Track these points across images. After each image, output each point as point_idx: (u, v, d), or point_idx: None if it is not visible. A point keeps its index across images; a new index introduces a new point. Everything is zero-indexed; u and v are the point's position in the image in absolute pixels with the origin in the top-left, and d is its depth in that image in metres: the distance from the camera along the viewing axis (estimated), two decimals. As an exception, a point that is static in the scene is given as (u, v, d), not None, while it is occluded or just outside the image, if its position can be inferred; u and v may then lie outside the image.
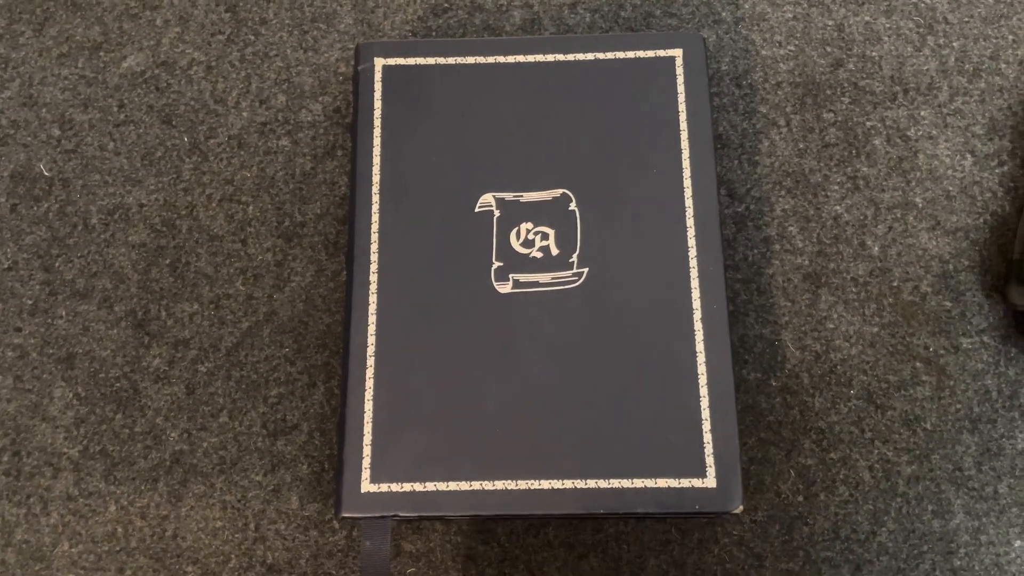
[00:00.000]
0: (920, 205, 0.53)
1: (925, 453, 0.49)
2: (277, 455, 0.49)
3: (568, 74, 0.50)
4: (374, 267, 0.46)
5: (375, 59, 0.50)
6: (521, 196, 0.48)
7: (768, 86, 0.56)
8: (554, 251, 0.47)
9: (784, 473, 0.49)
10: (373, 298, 0.46)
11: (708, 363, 0.45)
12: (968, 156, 0.54)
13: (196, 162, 0.54)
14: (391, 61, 0.50)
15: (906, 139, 0.55)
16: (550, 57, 0.50)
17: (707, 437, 0.44)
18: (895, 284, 0.52)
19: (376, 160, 0.48)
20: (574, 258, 0.46)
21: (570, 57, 0.50)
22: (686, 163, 0.48)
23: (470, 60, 0.50)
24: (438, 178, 0.48)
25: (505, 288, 0.46)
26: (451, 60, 0.50)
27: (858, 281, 0.52)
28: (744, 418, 0.49)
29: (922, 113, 0.55)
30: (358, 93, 0.50)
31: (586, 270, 0.46)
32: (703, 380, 0.44)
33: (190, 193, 0.54)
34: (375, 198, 0.47)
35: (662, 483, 0.43)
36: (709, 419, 0.44)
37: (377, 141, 0.49)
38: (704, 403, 0.44)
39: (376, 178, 0.48)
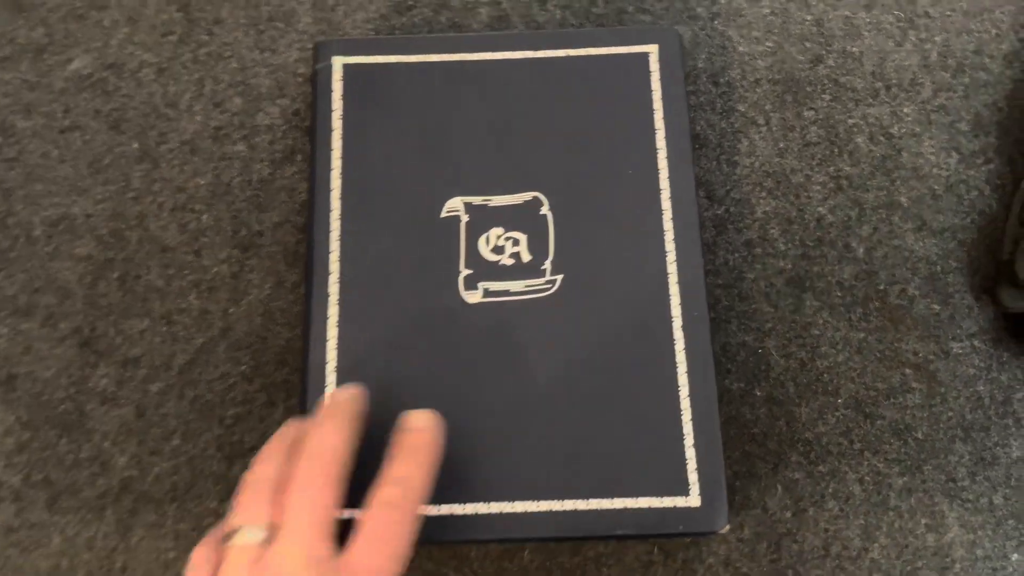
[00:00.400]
0: (905, 205, 0.51)
1: (917, 464, 0.47)
2: (234, 480, 0.46)
3: (538, 72, 0.48)
4: (334, 277, 0.44)
5: (334, 58, 0.47)
6: (490, 200, 0.45)
7: (746, 84, 0.54)
8: (526, 258, 0.44)
9: (771, 488, 0.46)
10: (333, 311, 0.43)
11: (690, 374, 0.42)
12: (953, 154, 0.52)
13: (146, 169, 0.51)
14: (351, 60, 0.47)
15: (889, 137, 0.53)
16: (519, 54, 0.48)
17: (689, 452, 0.41)
18: (881, 287, 0.50)
19: (336, 164, 0.45)
20: (547, 265, 0.44)
21: (540, 54, 0.48)
22: (663, 163, 0.46)
23: (435, 58, 0.48)
24: (402, 182, 0.45)
25: (474, 298, 0.43)
26: (415, 58, 0.48)
27: (843, 285, 0.50)
28: (728, 430, 0.47)
29: (905, 110, 0.53)
30: (316, 94, 0.47)
31: (560, 277, 0.44)
32: (684, 392, 0.42)
33: (140, 202, 0.51)
34: (335, 204, 0.45)
35: (643, 503, 0.40)
36: (692, 433, 0.41)
37: (337, 144, 0.46)
38: (686, 416, 0.42)
39: (336, 183, 0.45)
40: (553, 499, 0.40)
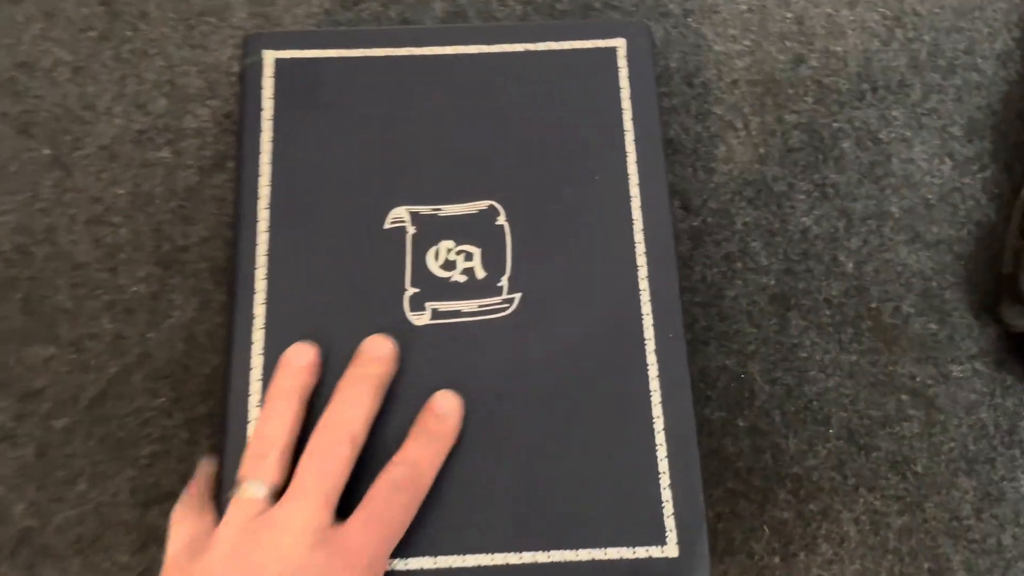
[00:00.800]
0: (897, 215, 0.47)
1: (917, 501, 0.42)
2: (148, 529, 0.40)
3: (494, 68, 0.43)
4: (260, 297, 0.38)
5: (265, 51, 0.42)
6: (440, 209, 0.40)
7: (723, 85, 0.49)
8: (479, 274, 0.39)
9: (756, 530, 0.41)
10: (259, 335, 0.38)
11: (664, 403, 0.37)
12: (947, 160, 0.48)
13: (57, 177, 0.46)
14: (285, 54, 0.42)
15: (877, 142, 0.49)
16: (473, 48, 0.43)
17: (666, 495, 0.36)
18: (873, 305, 0.45)
19: (265, 170, 0.40)
20: (503, 282, 0.39)
21: (496, 49, 0.43)
22: (632, 168, 0.41)
23: (379, 52, 0.43)
24: (341, 189, 0.40)
25: (421, 319, 0.38)
26: (356, 52, 0.43)
27: (832, 302, 0.45)
28: (708, 465, 0.42)
29: (894, 113, 0.49)
30: (245, 92, 0.42)
31: (518, 296, 0.39)
32: (659, 424, 0.37)
33: (49, 214, 0.45)
34: (263, 214, 0.39)
35: (613, 554, 0.35)
36: (668, 472, 0.36)
37: (267, 147, 0.41)
38: (661, 452, 0.37)
39: (264, 190, 0.40)
40: (510, 551, 0.35)
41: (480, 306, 0.39)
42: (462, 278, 0.39)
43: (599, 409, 0.37)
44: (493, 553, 0.35)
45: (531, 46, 0.43)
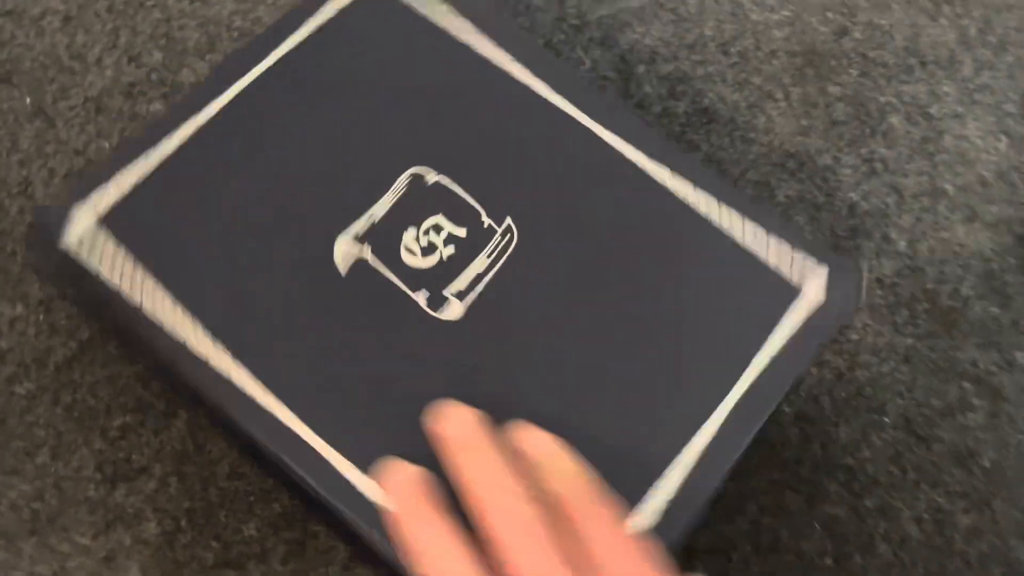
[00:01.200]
0: (951, 192, 0.43)
1: (985, 498, 0.37)
2: (115, 509, 0.35)
3: (295, 66, 0.37)
4: (266, 400, 0.31)
5: (76, 221, 0.33)
6: (373, 214, 0.35)
7: (761, 55, 0.46)
8: (460, 233, 0.34)
9: (806, 527, 0.37)
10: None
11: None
12: (1003, 137, 0.45)
13: (39, 128, 0.42)
14: (102, 204, 0.34)
15: (928, 117, 0.45)
16: (265, 65, 0.37)
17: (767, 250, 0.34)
18: (930, 286, 0.41)
19: (171, 316, 0.32)
20: (485, 220, 0.34)
21: (285, 49, 0.37)
22: (544, 91, 0.37)
23: (199, 121, 0.36)
24: (273, 273, 0.34)
25: (456, 312, 0.33)
26: (172, 146, 0.35)
27: (884, 282, 0.41)
28: (751, 454, 0.37)
29: (944, 89, 0.46)
30: (83, 280, 0.33)
31: (508, 219, 0.34)
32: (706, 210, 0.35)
33: (27, 166, 0.41)
34: (210, 352, 0.32)
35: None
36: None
37: (159, 299, 0.33)
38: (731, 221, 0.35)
39: (187, 329, 0.32)
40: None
41: (489, 254, 0.34)
42: (451, 249, 0.34)
43: (655, 263, 0.34)
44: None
45: (316, 23, 0.37)
